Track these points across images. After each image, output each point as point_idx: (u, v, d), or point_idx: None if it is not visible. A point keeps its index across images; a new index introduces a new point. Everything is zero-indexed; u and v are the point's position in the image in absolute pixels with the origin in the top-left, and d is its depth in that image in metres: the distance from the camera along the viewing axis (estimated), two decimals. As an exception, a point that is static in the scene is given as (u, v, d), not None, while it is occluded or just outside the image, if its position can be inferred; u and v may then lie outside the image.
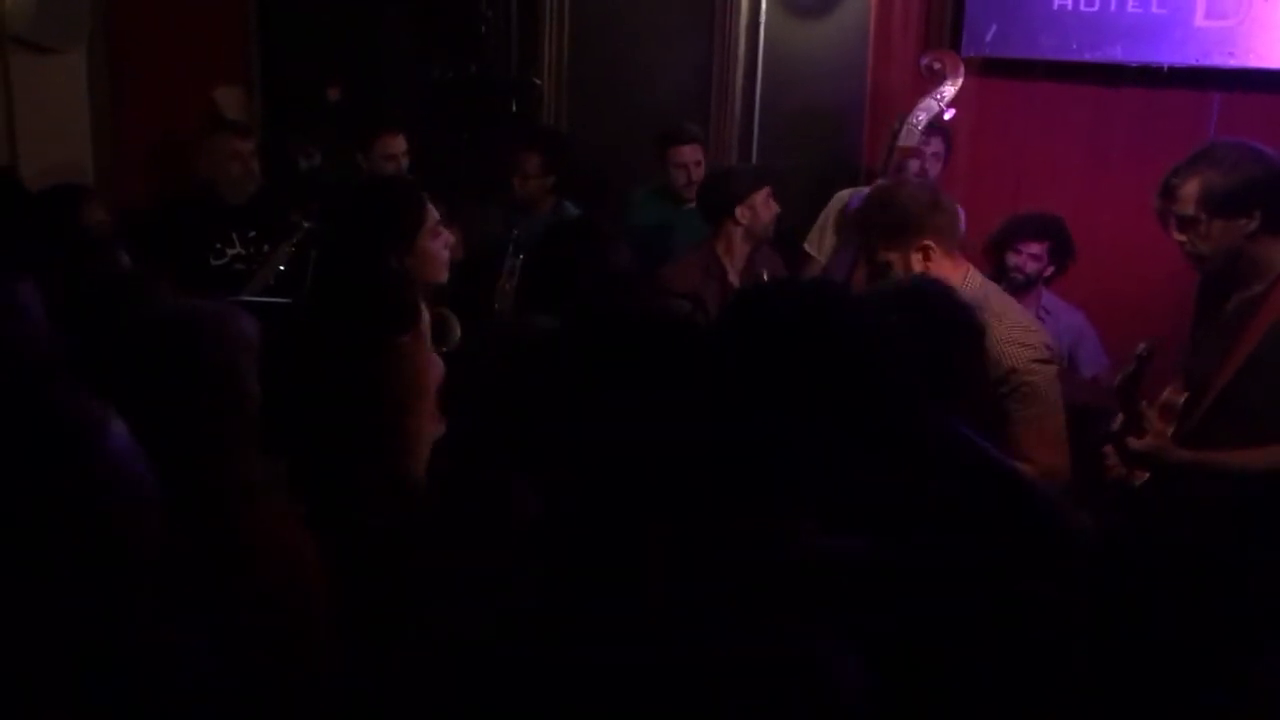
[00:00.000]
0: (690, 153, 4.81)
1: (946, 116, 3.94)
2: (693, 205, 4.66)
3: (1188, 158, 2.85)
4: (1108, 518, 3.09)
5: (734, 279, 4.07)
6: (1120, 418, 3.01)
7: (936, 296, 2.18)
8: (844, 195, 4.54)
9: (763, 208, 4.13)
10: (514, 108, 5.92)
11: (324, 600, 1.88)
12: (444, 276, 2.88)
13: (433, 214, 2.85)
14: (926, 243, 2.86)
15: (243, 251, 4.58)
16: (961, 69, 3.84)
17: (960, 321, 2.13)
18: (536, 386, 1.54)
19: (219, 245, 4.57)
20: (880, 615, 1.52)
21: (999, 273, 4.36)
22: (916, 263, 2.86)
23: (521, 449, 1.60)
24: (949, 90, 3.80)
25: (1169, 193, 2.85)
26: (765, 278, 3.98)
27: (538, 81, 5.87)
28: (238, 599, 1.76)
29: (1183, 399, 2.98)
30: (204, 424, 1.88)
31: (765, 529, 1.49)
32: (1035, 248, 4.34)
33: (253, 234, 4.59)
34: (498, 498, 1.92)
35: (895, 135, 3.87)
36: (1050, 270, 4.39)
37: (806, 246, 4.70)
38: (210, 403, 1.87)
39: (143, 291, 2.56)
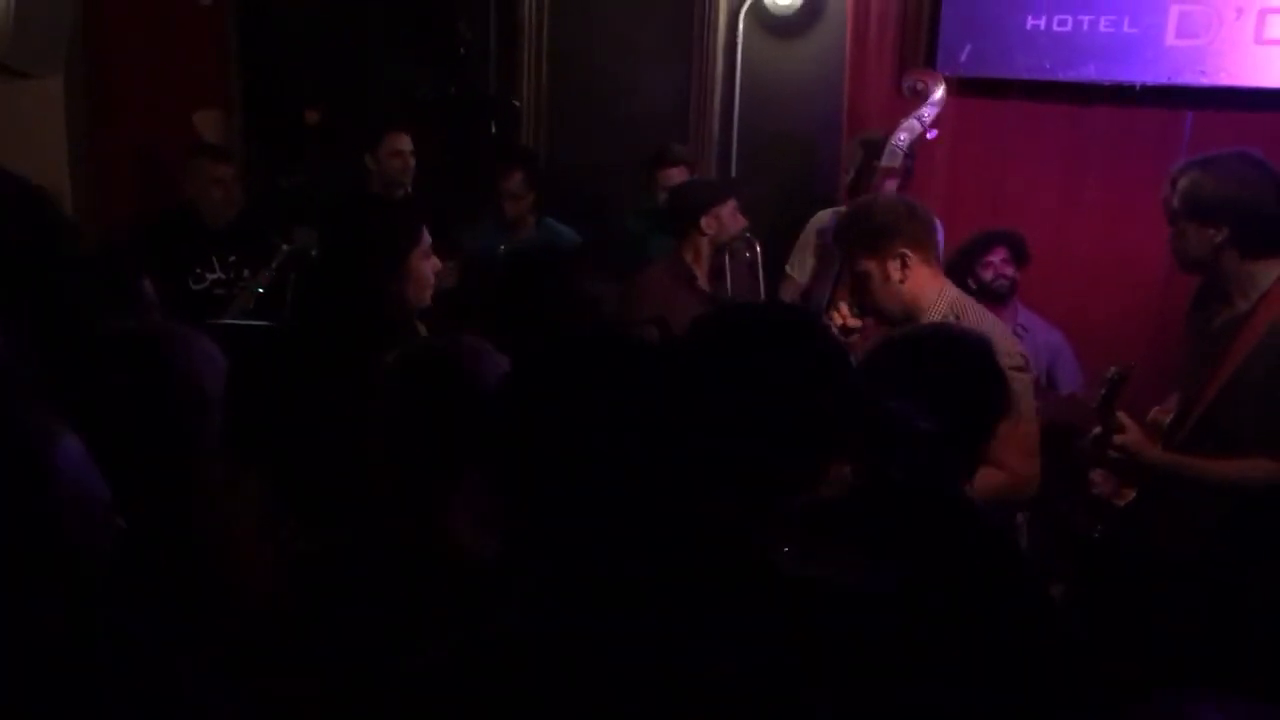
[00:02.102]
0: (677, 175, 4.82)
1: (929, 137, 3.93)
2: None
3: (1203, 155, 2.89)
4: (1093, 535, 3.11)
5: (703, 284, 4.10)
6: (1098, 430, 3.03)
7: (953, 341, 2.15)
8: (823, 216, 4.56)
9: (729, 219, 4.17)
10: (493, 129, 5.95)
11: (288, 608, 1.89)
12: (428, 299, 2.89)
13: (426, 236, 2.88)
14: (903, 250, 2.86)
15: (222, 276, 4.60)
16: (944, 89, 3.83)
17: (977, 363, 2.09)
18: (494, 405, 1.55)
19: (199, 269, 4.58)
20: (856, 647, 1.51)
21: (974, 290, 4.36)
22: (894, 270, 2.87)
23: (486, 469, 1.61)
24: (931, 111, 3.80)
25: (1171, 183, 2.89)
26: (750, 256, 3.96)
27: (517, 103, 5.90)
28: (199, 605, 1.76)
29: (1168, 419, 3.01)
30: (170, 435, 1.89)
31: (737, 551, 1.49)
32: (1000, 253, 4.38)
33: (233, 258, 4.61)
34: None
35: (875, 155, 3.89)
36: (1010, 269, 4.43)
37: (788, 268, 4.71)
38: (176, 415, 1.88)
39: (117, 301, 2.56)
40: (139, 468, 1.83)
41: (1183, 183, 2.85)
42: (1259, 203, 2.80)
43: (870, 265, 2.90)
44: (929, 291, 2.89)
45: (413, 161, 4.94)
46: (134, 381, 1.88)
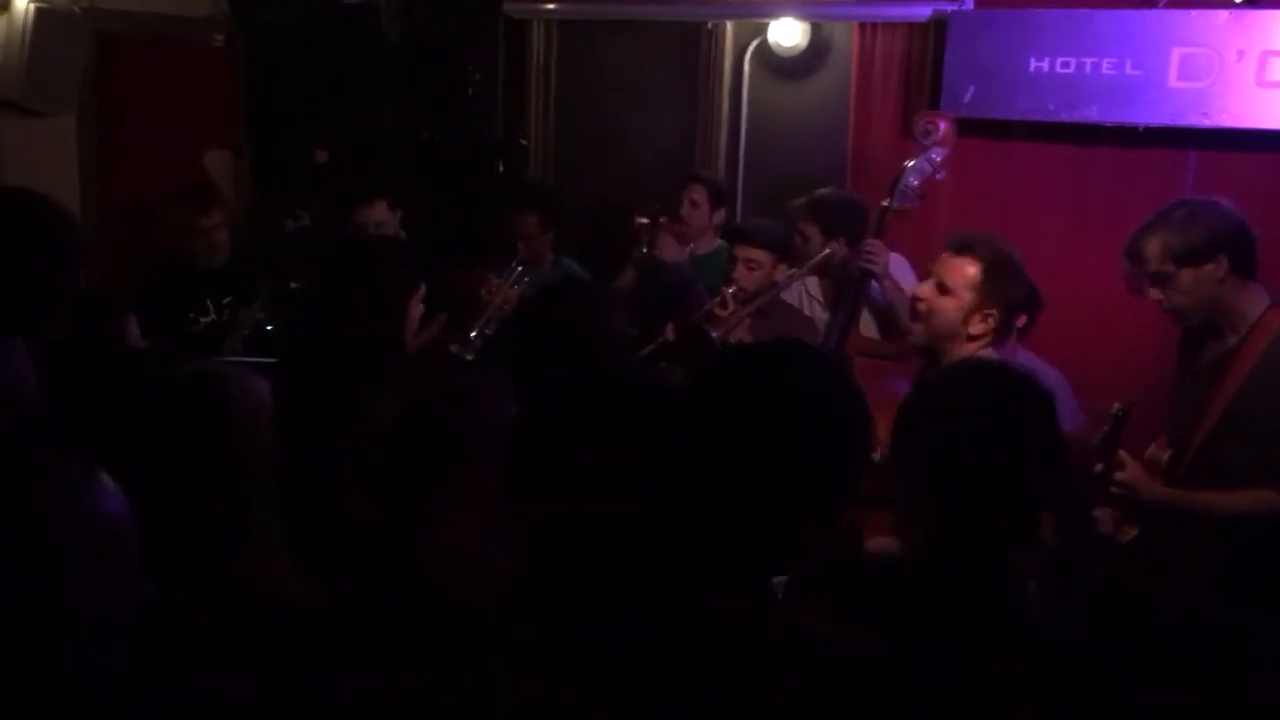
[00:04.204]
0: (686, 191, 4.88)
1: (939, 178, 3.90)
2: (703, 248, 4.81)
3: (1147, 222, 2.92)
4: (1096, 576, 3.09)
5: None
6: (1100, 467, 3.02)
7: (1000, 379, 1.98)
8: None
9: None
10: (501, 168, 5.98)
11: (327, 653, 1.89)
12: (414, 343, 2.96)
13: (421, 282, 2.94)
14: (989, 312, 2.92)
15: (216, 318, 4.59)
16: (954, 130, 3.81)
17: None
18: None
19: (193, 314, 4.58)
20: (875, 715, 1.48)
21: None
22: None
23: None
24: (941, 152, 3.77)
25: (1135, 255, 2.91)
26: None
27: (524, 142, 5.94)
28: (248, 655, 1.76)
29: (1167, 455, 3.00)
30: (223, 483, 1.90)
31: (753, 610, 1.46)
32: None
33: (227, 300, 4.61)
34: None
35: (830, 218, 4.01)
36: (1024, 319, 4.41)
37: None
38: (231, 462, 1.90)
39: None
40: (188, 514, 1.85)
41: (1155, 245, 2.88)
42: (1239, 224, 2.87)
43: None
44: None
45: (389, 230, 4.80)
46: (193, 427, 1.90)
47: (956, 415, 1.80)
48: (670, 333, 3.92)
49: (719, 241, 4.83)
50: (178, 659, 1.70)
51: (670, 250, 4.65)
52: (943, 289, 2.92)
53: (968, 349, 2.90)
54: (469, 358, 4.37)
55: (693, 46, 5.60)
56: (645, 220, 4.72)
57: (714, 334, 3.76)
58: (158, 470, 1.88)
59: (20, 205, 2.46)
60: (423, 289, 2.93)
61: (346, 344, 2.77)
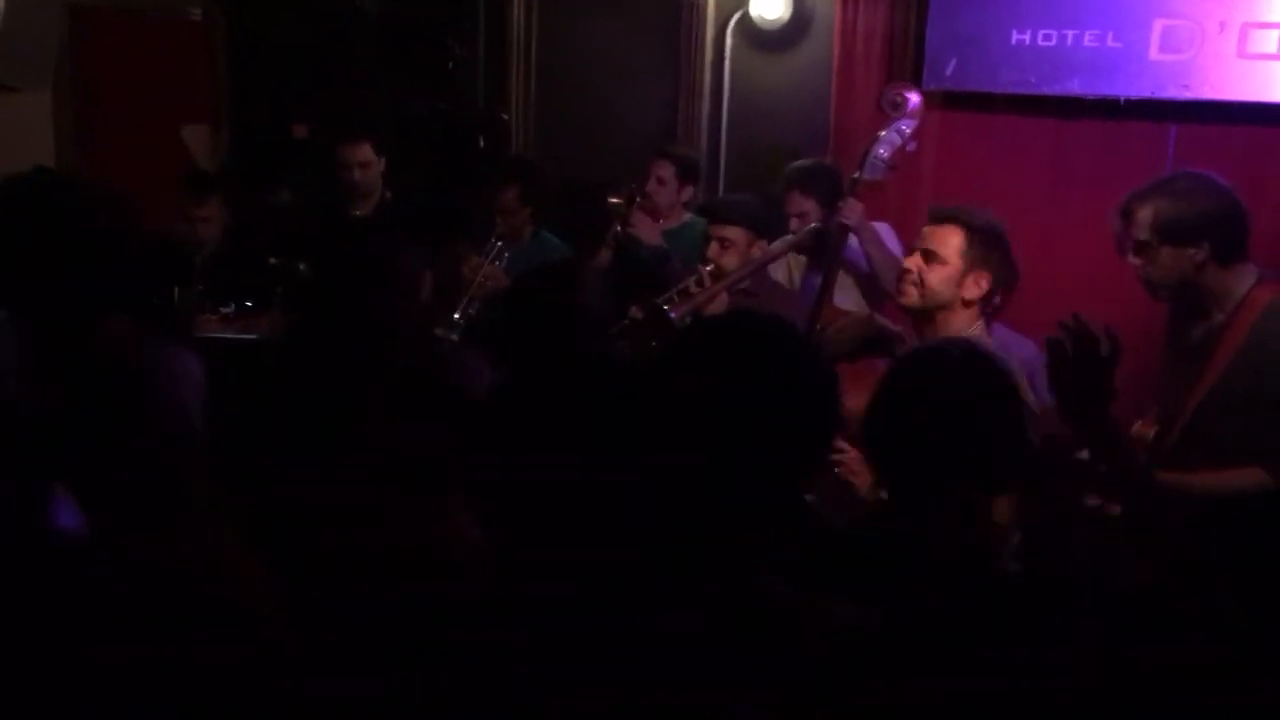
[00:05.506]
0: (653, 167, 4.82)
1: (909, 149, 3.91)
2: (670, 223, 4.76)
3: (1149, 183, 2.89)
4: (1083, 553, 3.10)
5: None
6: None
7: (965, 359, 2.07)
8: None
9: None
10: (483, 143, 5.96)
11: (271, 630, 1.88)
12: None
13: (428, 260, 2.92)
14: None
15: (165, 304, 4.52)
16: (921, 101, 3.83)
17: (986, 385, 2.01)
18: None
19: (156, 299, 4.52)
20: (845, 675, 1.49)
21: None
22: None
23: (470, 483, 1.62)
24: (910, 124, 3.78)
25: (1127, 216, 2.89)
26: None
27: (506, 117, 5.91)
28: (180, 626, 1.76)
29: (1152, 432, 3.00)
30: (153, 457, 1.90)
31: (720, 574, 1.47)
32: None
33: (201, 289, 4.56)
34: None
35: (814, 185, 3.99)
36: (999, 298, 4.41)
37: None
38: (159, 437, 1.89)
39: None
40: (124, 499, 1.84)
41: (1145, 213, 2.84)
42: (1232, 211, 2.82)
43: None
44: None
45: (373, 170, 4.85)
46: (118, 416, 1.89)
47: (925, 397, 1.92)
48: (637, 313, 3.90)
49: (687, 216, 4.80)
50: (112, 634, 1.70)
51: (646, 229, 4.61)
52: (929, 257, 2.94)
53: (963, 316, 2.93)
54: (454, 338, 4.34)
55: (674, 19, 5.57)
56: (618, 200, 4.69)
57: (674, 314, 3.73)
58: (89, 451, 1.87)
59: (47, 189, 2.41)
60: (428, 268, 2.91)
61: (357, 336, 2.73)
